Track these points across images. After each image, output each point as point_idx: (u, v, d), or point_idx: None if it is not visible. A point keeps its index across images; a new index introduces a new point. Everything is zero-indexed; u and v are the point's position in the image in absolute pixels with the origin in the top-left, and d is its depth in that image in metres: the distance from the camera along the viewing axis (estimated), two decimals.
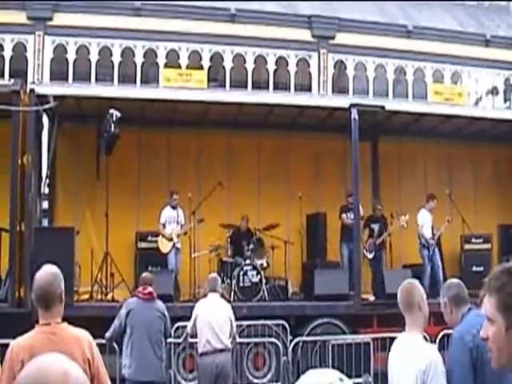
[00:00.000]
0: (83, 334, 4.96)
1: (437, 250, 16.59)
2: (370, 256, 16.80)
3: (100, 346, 5.32)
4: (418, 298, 5.66)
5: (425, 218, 16.58)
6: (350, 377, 2.51)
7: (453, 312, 5.66)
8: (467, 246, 17.71)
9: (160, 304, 10.56)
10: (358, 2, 24.58)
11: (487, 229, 18.41)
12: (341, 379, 2.22)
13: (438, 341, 13.28)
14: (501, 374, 5.07)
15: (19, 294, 13.22)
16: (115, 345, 11.23)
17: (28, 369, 1.99)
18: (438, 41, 23.95)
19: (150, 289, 10.43)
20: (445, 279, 16.21)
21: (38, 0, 21.16)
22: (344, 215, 16.79)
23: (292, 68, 22.84)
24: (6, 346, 5.04)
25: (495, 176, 19.49)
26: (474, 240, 17.78)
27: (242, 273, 15.41)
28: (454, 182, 18.82)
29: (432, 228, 16.57)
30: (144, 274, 10.97)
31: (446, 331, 13.09)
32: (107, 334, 10.35)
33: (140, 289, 10.64)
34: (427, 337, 11.18)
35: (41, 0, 21.20)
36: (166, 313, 10.54)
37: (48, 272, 5.04)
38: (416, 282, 5.86)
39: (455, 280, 6.00)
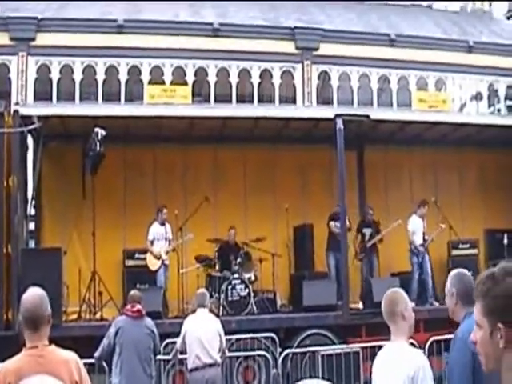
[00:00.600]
0: (71, 356, 4.97)
1: (427, 257, 16.63)
2: (361, 258, 16.89)
3: (89, 365, 5.35)
4: (400, 307, 5.66)
5: (416, 225, 16.64)
6: None
7: (457, 306, 5.52)
8: (454, 252, 17.79)
9: (149, 321, 10.56)
10: (339, 9, 24.68)
11: (474, 234, 18.48)
12: None
13: (427, 347, 13.33)
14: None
15: (7, 317, 13.20)
16: (105, 364, 11.24)
17: None
18: (422, 48, 23.97)
19: (138, 306, 10.44)
20: (433, 286, 16.30)
21: (20, 19, 21.18)
22: (332, 223, 16.82)
23: (276, 80, 22.82)
24: None
25: (481, 181, 19.56)
26: (461, 246, 17.85)
27: (230, 287, 15.43)
28: (440, 189, 18.90)
29: (424, 234, 16.62)
30: (132, 292, 10.97)
31: (434, 337, 13.18)
32: (96, 354, 10.35)
33: (128, 307, 10.65)
34: (415, 343, 11.23)
35: (23, 19, 21.22)
36: (155, 330, 10.55)
37: (35, 294, 5.06)
38: (400, 290, 5.83)
39: (469, 276, 5.72)
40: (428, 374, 5.42)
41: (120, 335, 10.25)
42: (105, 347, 10.34)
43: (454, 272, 5.75)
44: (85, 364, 5.13)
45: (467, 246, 17.94)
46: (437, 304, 15.93)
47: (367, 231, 17.11)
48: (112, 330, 10.35)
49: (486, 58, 24.47)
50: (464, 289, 5.60)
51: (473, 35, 25.64)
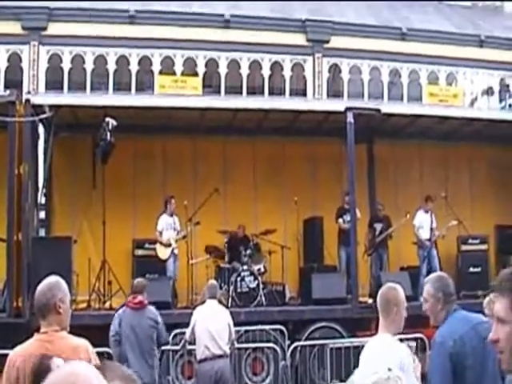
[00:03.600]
0: (81, 343, 5.00)
1: (434, 252, 16.59)
2: (371, 252, 16.89)
3: (99, 354, 5.35)
4: (394, 302, 5.72)
5: (421, 219, 16.61)
6: None
7: (443, 309, 5.56)
8: (464, 247, 17.70)
9: (152, 311, 10.53)
10: (351, 2, 24.64)
11: (484, 230, 18.42)
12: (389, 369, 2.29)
13: None
14: (481, 381, 5.11)
15: (17, 304, 13.21)
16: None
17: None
18: (433, 42, 23.96)
19: (139, 298, 10.42)
20: None
21: (32, 9, 21.21)
22: (340, 220, 16.82)
23: (287, 73, 22.86)
24: (4, 356, 5.09)
25: (492, 177, 19.47)
26: (470, 241, 17.75)
27: (239, 278, 15.42)
28: (450, 183, 18.84)
29: (432, 229, 16.58)
30: (135, 282, 10.98)
31: None
32: (112, 340, 10.40)
33: (130, 298, 10.68)
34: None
35: (35, 9, 21.25)
36: (160, 319, 10.52)
37: (45, 282, 5.11)
38: (399, 288, 5.87)
39: (444, 274, 5.90)
40: (410, 368, 5.50)
41: (122, 327, 10.29)
42: (111, 338, 10.39)
43: (434, 277, 5.81)
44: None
45: (477, 241, 17.86)
46: None
47: (378, 226, 17.10)
48: (115, 322, 10.39)
49: (497, 53, 24.46)
50: (448, 289, 5.62)
51: (484, 30, 25.60)
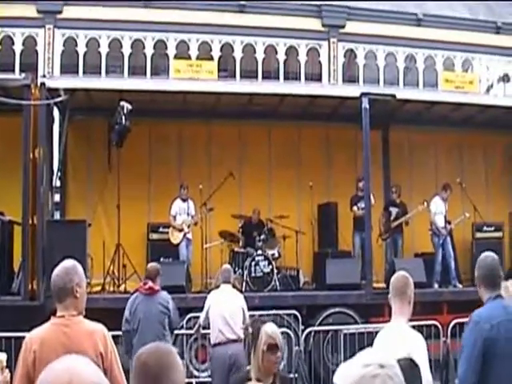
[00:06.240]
0: (98, 327, 5.00)
1: (448, 239, 16.57)
2: (385, 237, 16.87)
3: (114, 337, 5.35)
4: (410, 291, 5.76)
5: (438, 207, 16.55)
6: None
7: (481, 289, 5.62)
8: (479, 235, 17.63)
9: (163, 297, 10.48)
10: None
11: (499, 217, 18.37)
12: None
13: (450, 329, 13.31)
14: (508, 372, 5.08)
15: (32, 287, 13.27)
16: None
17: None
18: (449, 28, 23.82)
19: (150, 284, 10.39)
20: (457, 268, 16.25)
21: None
22: (355, 207, 16.79)
23: (302, 57, 22.79)
24: (19, 338, 5.11)
25: (507, 164, 19.38)
26: (485, 228, 17.69)
27: (253, 263, 15.43)
28: (465, 171, 18.76)
29: (445, 217, 16.54)
30: (149, 266, 10.99)
31: (457, 320, 13.13)
32: (123, 328, 10.42)
33: (141, 283, 10.71)
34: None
35: None
36: (171, 305, 10.48)
37: (62, 266, 5.08)
38: (409, 276, 5.90)
39: (492, 258, 5.74)
40: (424, 356, 5.49)
41: (133, 313, 10.30)
42: (125, 322, 10.41)
43: (481, 257, 5.78)
44: None
45: (492, 228, 17.80)
46: (460, 286, 15.87)
47: (394, 211, 17.05)
48: (128, 306, 10.41)
49: None
50: (483, 272, 5.61)
51: (501, 16, 25.40)
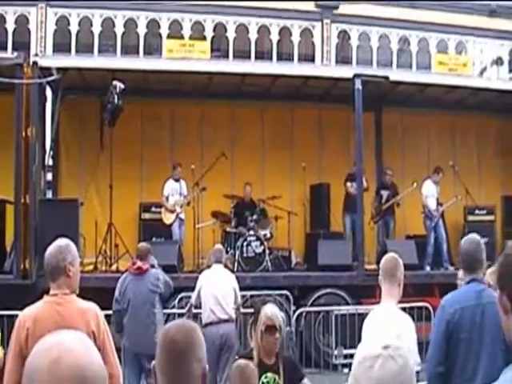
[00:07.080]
0: (90, 306, 5.02)
1: (440, 222, 16.60)
2: (377, 220, 16.89)
3: (106, 316, 5.37)
4: (399, 273, 5.78)
5: (430, 189, 16.58)
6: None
7: (465, 276, 5.66)
8: (471, 218, 17.66)
9: (153, 275, 10.38)
10: None
11: (491, 200, 18.41)
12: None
13: None
14: (477, 358, 5.10)
15: (24, 266, 13.28)
16: None
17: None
18: (443, 10, 23.73)
19: (138, 263, 10.36)
20: (449, 251, 16.29)
21: None
22: (349, 183, 16.78)
23: (295, 38, 22.66)
24: (11, 316, 5.12)
25: (500, 147, 19.42)
26: (477, 211, 17.71)
27: (245, 243, 15.44)
28: (457, 153, 18.80)
29: (437, 200, 16.57)
30: (139, 245, 10.97)
31: None
32: (113, 308, 10.41)
33: (130, 264, 10.72)
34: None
35: None
36: (161, 280, 10.39)
37: (55, 245, 5.10)
38: (398, 257, 5.93)
39: (470, 242, 5.72)
40: (413, 338, 5.60)
41: (123, 293, 10.29)
42: (115, 302, 10.39)
43: (465, 239, 5.77)
44: None
45: (484, 212, 17.82)
46: (452, 268, 15.89)
47: (385, 193, 17.07)
48: (118, 286, 10.40)
49: (508, 22, 24.20)
50: (462, 257, 5.61)
51: None
